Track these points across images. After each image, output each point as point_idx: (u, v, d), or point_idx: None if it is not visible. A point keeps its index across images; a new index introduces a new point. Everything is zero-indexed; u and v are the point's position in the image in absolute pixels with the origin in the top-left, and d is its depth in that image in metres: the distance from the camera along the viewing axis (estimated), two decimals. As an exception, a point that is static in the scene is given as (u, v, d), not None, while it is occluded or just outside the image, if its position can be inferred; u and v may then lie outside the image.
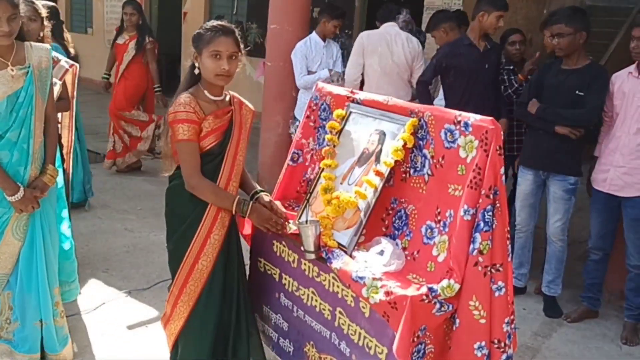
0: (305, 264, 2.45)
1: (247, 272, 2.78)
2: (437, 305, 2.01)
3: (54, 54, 3.37)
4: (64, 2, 12.30)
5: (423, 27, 6.00)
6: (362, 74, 4.77)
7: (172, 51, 10.39)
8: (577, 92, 3.55)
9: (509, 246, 2.06)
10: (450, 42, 4.34)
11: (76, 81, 3.52)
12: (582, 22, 3.54)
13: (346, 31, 5.62)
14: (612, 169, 3.48)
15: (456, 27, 4.63)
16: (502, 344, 2.04)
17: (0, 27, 2.39)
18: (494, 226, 2.00)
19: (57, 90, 3.24)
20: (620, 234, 3.62)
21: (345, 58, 5.24)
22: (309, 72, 5.04)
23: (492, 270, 2.01)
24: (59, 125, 3.50)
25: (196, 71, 2.35)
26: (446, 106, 4.19)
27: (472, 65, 4.09)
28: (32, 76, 2.52)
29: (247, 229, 2.80)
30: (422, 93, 4.27)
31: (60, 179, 2.87)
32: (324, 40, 5.12)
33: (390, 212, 2.42)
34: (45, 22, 3.55)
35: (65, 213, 3.11)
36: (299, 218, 2.50)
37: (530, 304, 3.92)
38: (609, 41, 7.41)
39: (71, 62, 3.52)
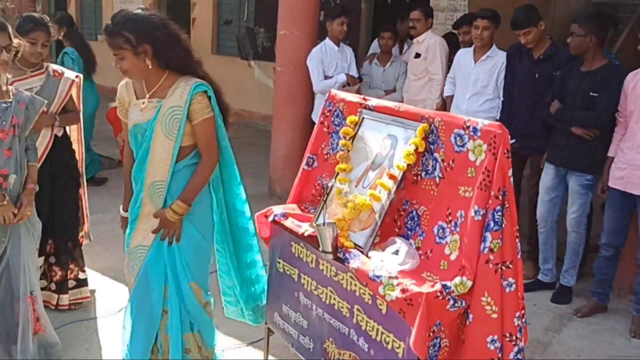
0: (323, 264, 2.56)
1: (267, 273, 2.92)
2: (451, 302, 2.11)
3: (56, 67, 3.51)
4: (74, 9, 12.50)
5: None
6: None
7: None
8: (591, 93, 3.70)
9: (519, 244, 2.16)
10: (512, 45, 4.36)
11: (81, 92, 3.61)
12: (594, 26, 3.68)
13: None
14: (629, 168, 3.56)
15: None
16: (514, 337, 2.14)
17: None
18: (503, 225, 2.10)
19: (54, 105, 3.35)
20: (631, 231, 3.73)
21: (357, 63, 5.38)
22: (326, 77, 5.16)
23: (503, 267, 2.11)
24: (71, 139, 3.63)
25: None
26: (501, 112, 4.36)
27: (521, 72, 4.20)
28: (158, 112, 2.44)
29: (265, 232, 2.92)
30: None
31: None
32: (338, 45, 5.25)
33: (402, 213, 2.53)
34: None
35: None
36: (316, 220, 2.61)
37: (541, 300, 4.01)
38: (616, 38, 7.47)
39: (75, 73, 3.59)
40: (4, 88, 2.75)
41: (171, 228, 2.53)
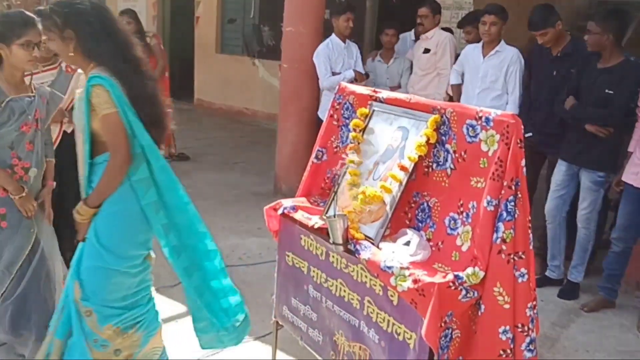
0: (333, 257, 2.55)
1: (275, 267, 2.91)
2: (463, 292, 2.11)
3: None
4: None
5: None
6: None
7: (185, 55, 10.56)
8: (607, 90, 3.67)
9: (531, 235, 2.16)
10: (532, 42, 4.38)
11: None
12: (611, 23, 3.65)
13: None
14: None
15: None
16: (526, 328, 2.13)
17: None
18: (516, 216, 2.10)
19: (65, 100, 3.32)
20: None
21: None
22: (333, 73, 5.17)
23: (515, 258, 2.11)
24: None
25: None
26: (520, 109, 4.33)
27: (539, 69, 4.21)
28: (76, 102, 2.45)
29: (274, 225, 2.91)
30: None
31: None
32: (344, 42, 5.26)
33: (413, 205, 2.53)
34: None
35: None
36: (327, 212, 2.61)
37: (547, 295, 4.00)
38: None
39: None
40: (27, 82, 2.78)
41: (79, 228, 2.43)
